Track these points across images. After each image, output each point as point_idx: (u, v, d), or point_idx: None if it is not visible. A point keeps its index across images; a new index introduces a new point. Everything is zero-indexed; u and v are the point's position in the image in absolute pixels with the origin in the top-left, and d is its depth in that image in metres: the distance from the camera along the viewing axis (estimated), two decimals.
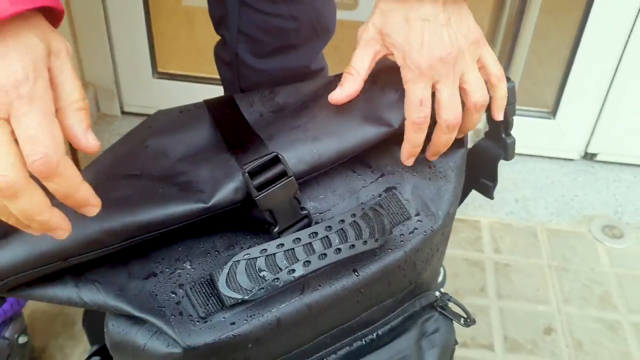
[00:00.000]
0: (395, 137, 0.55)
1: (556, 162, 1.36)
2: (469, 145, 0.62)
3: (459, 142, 0.57)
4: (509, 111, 0.58)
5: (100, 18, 1.25)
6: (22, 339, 0.89)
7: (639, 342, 1.01)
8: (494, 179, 0.62)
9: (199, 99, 0.63)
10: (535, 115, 1.32)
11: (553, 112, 1.32)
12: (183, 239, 0.53)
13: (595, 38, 1.21)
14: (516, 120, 0.60)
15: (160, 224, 0.49)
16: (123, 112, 1.40)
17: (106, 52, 1.30)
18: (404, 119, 0.53)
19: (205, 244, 0.53)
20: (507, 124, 0.59)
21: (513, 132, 0.61)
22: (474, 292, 1.07)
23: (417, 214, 0.55)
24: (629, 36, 1.19)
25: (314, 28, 0.71)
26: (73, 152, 1.18)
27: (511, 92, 0.57)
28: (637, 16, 1.17)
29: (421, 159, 0.56)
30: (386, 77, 0.56)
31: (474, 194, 0.68)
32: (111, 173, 0.53)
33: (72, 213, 0.45)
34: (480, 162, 0.62)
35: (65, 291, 0.49)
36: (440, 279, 0.92)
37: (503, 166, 1.40)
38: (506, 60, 1.24)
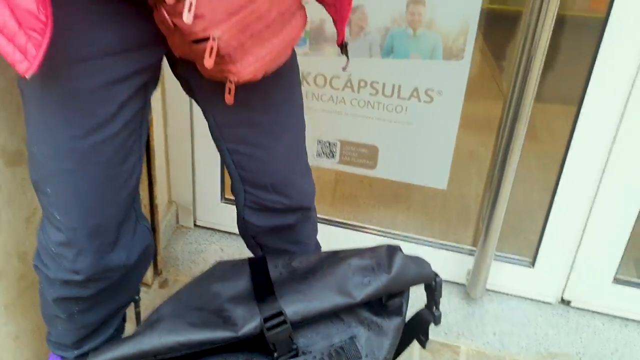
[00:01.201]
0: (360, 305, 0.89)
1: (535, 304, 1.61)
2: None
3: (398, 312, 0.90)
4: (437, 296, 0.91)
5: (188, 154, 1.64)
6: None
7: None
8: (426, 335, 0.95)
9: None
10: (518, 264, 1.59)
11: (532, 262, 1.58)
12: (221, 352, 0.87)
13: (566, 199, 1.43)
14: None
15: (210, 343, 0.84)
16: (195, 225, 1.77)
17: (189, 179, 1.67)
18: (364, 295, 0.87)
19: (233, 357, 0.87)
20: (437, 303, 0.92)
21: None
22: None
23: (366, 356, 0.88)
24: (594, 198, 1.41)
25: (300, 207, 1.05)
26: (154, 258, 1.56)
27: (439, 285, 0.90)
28: (601, 178, 1.39)
29: (377, 322, 0.90)
30: (357, 265, 0.90)
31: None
32: (187, 304, 0.90)
33: (164, 330, 0.81)
34: (418, 324, 0.95)
35: None
36: None
37: (489, 303, 1.71)
38: (488, 214, 1.46)
